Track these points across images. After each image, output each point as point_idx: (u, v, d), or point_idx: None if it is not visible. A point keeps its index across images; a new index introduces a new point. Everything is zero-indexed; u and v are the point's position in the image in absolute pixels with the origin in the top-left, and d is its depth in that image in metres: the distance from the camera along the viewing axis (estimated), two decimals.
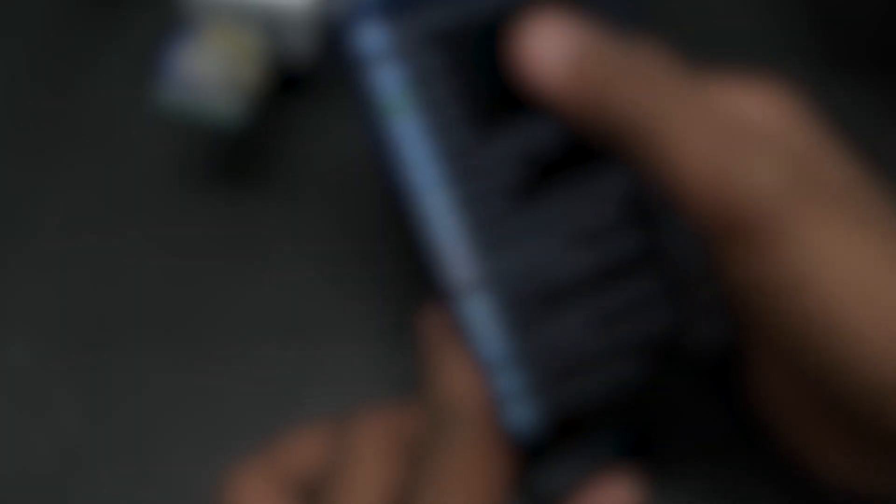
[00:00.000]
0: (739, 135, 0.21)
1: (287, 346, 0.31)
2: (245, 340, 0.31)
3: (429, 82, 0.23)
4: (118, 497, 0.29)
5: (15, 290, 0.31)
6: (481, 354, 0.23)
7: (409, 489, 0.23)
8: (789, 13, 0.36)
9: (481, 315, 0.23)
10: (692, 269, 0.24)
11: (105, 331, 0.31)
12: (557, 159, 0.24)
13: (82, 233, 0.32)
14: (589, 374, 0.24)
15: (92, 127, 0.34)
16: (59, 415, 0.30)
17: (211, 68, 0.30)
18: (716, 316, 0.25)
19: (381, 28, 0.23)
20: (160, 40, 0.35)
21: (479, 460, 0.23)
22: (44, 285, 0.32)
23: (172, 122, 0.34)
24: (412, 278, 0.31)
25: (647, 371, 0.24)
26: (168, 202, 0.33)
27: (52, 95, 0.35)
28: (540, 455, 0.24)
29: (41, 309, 0.31)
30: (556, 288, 0.24)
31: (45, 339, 0.31)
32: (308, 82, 0.34)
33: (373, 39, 0.23)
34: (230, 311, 0.31)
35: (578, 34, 0.22)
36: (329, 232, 0.32)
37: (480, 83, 0.23)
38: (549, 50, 0.22)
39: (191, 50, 0.30)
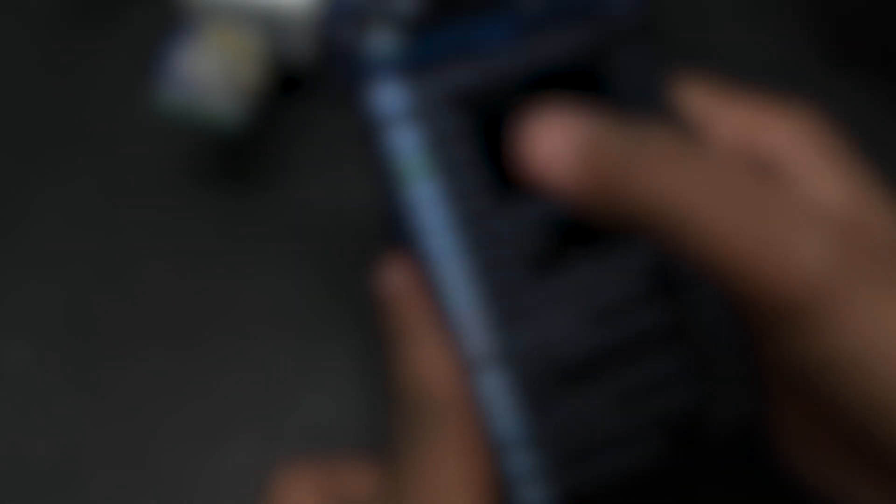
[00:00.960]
0: (776, 204, 0.20)
1: (286, 345, 0.31)
2: (244, 339, 0.31)
3: (448, 145, 0.22)
4: (118, 496, 0.29)
5: (15, 290, 0.31)
6: (493, 432, 0.22)
7: (389, 496, 0.22)
8: (789, 13, 0.36)
9: (495, 391, 0.22)
10: (716, 343, 0.23)
11: (105, 330, 0.31)
12: (579, 229, 0.22)
13: (82, 232, 0.32)
14: (606, 454, 0.23)
15: (91, 127, 0.34)
16: (59, 415, 0.30)
17: (211, 69, 0.30)
18: (740, 392, 0.23)
19: (400, 87, 0.21)
20: (160, 40, 0.35)
21: (458, 460, 0.21)
22: (43, 285, 0.32)
23: (172, 123, 0.34)
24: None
25: (666, 450, 0.23)
26: (167, 202, 0.33)
27: (52, 95, 0.35)
28: None
29: (41, 309, 0.31)
30: (575, 364, 0.22)
31: (46, 338, 0.31)
32: (308, 82, 0.34)
33: (391, 99, 0.21)
34: (229, 310, 0.31)
35: (585, 126, 0.21)
36: (328, 231, 0.32)
37: (502, 148, 0.22)
38: (556, 145, 0.21)
39: (191, 50, 0.30)
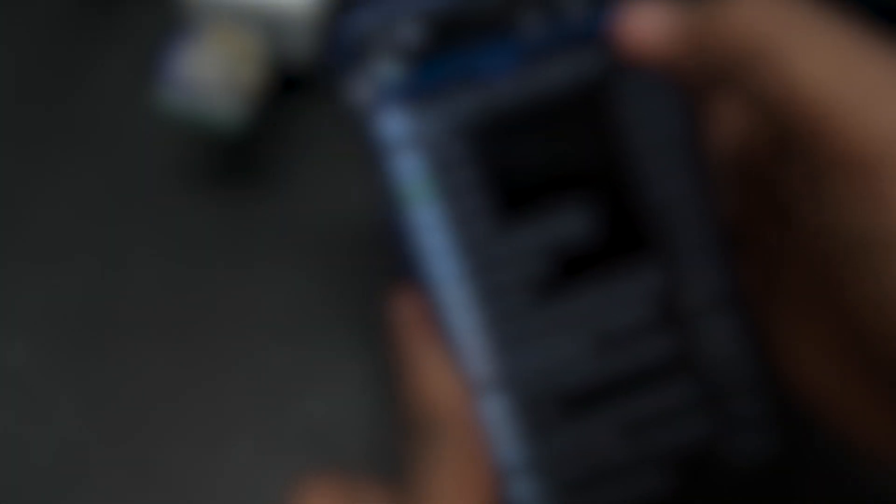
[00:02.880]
0: (876, 62, 0.19)
1: (285, 346, 0.31)
2: (243, 340, 0.31)
3: (451, 171, 0.22)
4: (118, 497, 0.29)
5: (14, 291, 0.32)
6: (496, 456, 0.22)
7: None
8: None
9: (497, 416, 0.22)
10: (730, 376, 0.23)
11: (103, 331, 0.31)
12: (584, 255, 0.22)
13: (81, 234, 0.32)
14: (609, 485, 0.22)
15: (92, 128, 0.34)
16: (59, 415, 0.30)
17: (211, 70, 0.30)
18: (755, 427, 0.23)
19: (404, 114, 0.22)
20: (160, 41, 0.35)
21: (459, 481, 0.21)
22: (43, 286, 0.32)
23: (172, 123, 0.34)
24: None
25: (673, 484, 0.22)
26: (167, 203, 0.33)
27: (53, 96, 0.35)
28: None
29: (40, 309, 0.31)
30: (579, 391, 0.22)
31: (45, 339, 0.31)
32: (308, 83, 0.35)
33: (394, 126, 0.22)
34: (229, 310, 0.31)
35: (670, 9, 0.22)
36: (328, 230, 0.32)
37: (507, 173, 0.22)
38: (649, 23, 0.21)
39: (191, 51, 0.30)
